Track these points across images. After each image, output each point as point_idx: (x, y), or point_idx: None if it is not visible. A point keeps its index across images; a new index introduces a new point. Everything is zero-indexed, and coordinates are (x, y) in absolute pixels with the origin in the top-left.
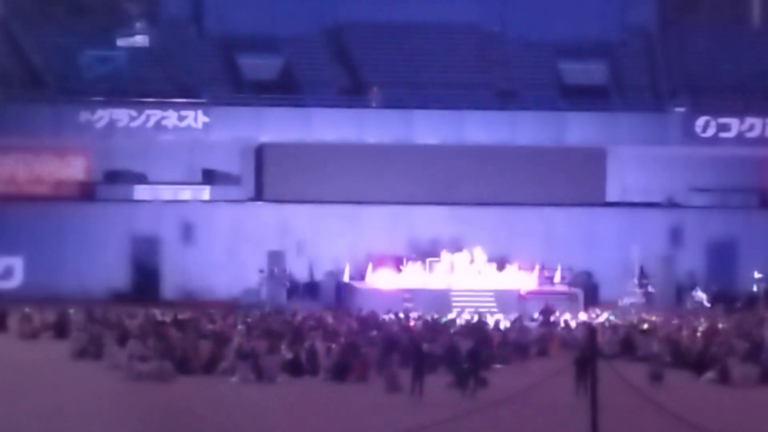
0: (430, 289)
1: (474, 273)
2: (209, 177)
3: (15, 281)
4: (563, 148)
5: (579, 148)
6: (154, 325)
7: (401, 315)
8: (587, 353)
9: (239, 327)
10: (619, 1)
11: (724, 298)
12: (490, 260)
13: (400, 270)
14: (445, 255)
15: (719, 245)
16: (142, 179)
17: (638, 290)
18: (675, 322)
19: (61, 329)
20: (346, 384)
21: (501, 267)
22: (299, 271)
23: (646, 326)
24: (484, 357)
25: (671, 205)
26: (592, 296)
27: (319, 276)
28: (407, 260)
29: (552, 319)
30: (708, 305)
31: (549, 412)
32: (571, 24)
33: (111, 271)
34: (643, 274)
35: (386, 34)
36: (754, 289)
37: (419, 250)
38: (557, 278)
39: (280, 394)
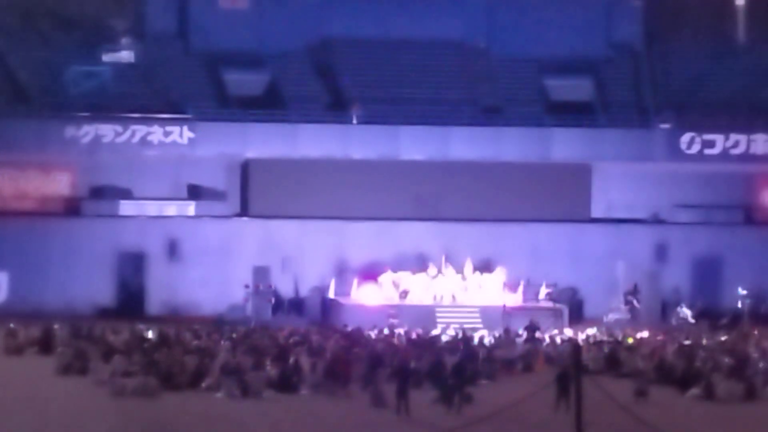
0: (415, 304)
1: (460, 287)
2: (195, 192)
3: (0, 296)
4: (548, 164)
5: (564, 164)
6: (139, 341)
7: (386, 331)
8: (568, 370)
9: (224, 343)
10: (605, 17)
11: (709, 315)
12: (476, 270)
13: (385, 283)
14: (431, 270)
15: (704, 261)
16: (127, 195)
17: (623, 306)
18: (660, 338)
19: (45, 345)
20: (331, 400)
21: (488, 270)
22: (284, 287)
23: (630, 340)
24: (469, 373)
25: (656, 221)
26: (577, 312)
27: (304, 292)
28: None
29: (537, 335)
30: (693, 321)
31: (534, 428)
32: (557, 40)
33: (96, 286)
34: (635, 290)
35: (372, 50)
36: (739, 305)
37: (405, 265)
38: (542, 294)
39: (265, 410)
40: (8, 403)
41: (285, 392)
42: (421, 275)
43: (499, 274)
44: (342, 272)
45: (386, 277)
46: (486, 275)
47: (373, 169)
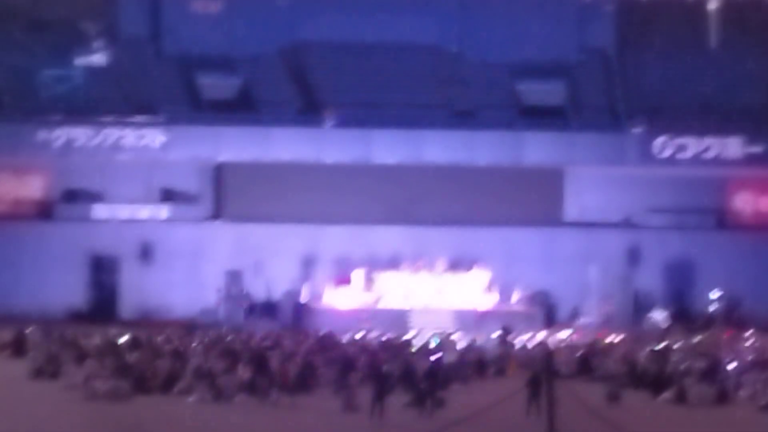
0: (388, 308)
1: (433, 291)
2: (167, 196)
3: None
4: (521, 168)
5: (537, 168)
6: (112, 345)
7: (359, 335)
8: (539, 373)
9: (197, 346)
10: (577, 22)
11: (681, 319)
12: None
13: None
14: (404, 273)
15: (677, 265)
16: (99, 198)
17: (595, 310)
18: (632, 342)
19: (18, 348)
20: (303, 404)
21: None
22: (257, 291)
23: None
24: (441, 376)
25: (629, 225)
26: (550, 316)
27: (277, 296)
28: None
29: (510, 338)
30: (665, 325)
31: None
32: (529, 45)
33: (69, 290)
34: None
35: (345, 54)
36: (711, 309)
37: (378, 269)
38: (515, 298)
39: (238, 414)
40: None
41: (257, 396)
42: (394, 278)
43: (479, 275)
44: (315, 276)
45: (359, 280)
46: (459, 276)
47: (346, 173)
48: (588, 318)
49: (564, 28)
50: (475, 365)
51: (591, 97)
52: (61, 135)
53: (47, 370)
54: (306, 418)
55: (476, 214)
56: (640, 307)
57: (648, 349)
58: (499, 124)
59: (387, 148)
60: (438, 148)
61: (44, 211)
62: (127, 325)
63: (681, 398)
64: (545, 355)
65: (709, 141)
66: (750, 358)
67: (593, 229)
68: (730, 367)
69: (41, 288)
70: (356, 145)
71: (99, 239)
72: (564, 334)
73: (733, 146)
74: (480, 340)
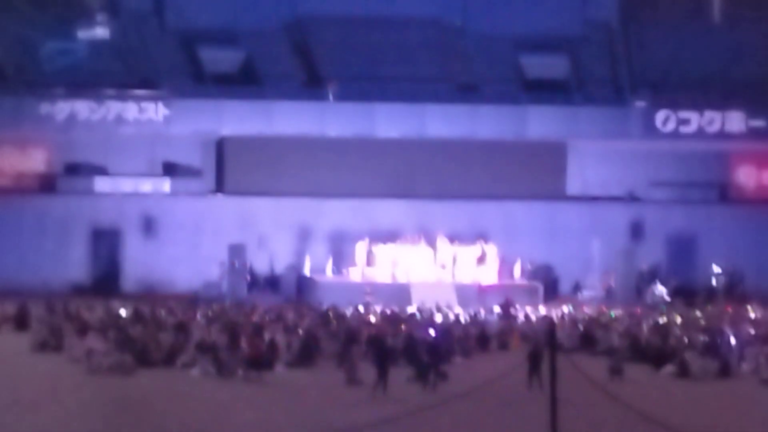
0: (391, 282)
1: (435, 264)
2: (170, 170)
3: None
4: (524, 142)
5: (540, 142)
6: (115, 318)
7: (362, 308)
8: (540, 347)
9: (199, 320)
10: None
11: (683, 292)
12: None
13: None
14: (405, 246)
15: (679, 239)
16: (102, 171)
17: (598, 284)
18: (635, 315)
19: (20, 322)
20: (306, 377)
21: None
22: (260, 264)
23: (613, 315)
24: (444, 350)
25: (631, 199)
26: (552, 290)
27: (279, 269)
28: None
29: (512, 312)
30: (668, 299)
31: (509, 405)
32: (533, 18)
33: (71, 263)
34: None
35: (348, 27)
36: (714, 283)
37: (380, 243)
38: (517, 272)
39: (240, 388)
40: None
41: (260, 370)
42: (396, 252)
43: (481, 249)
44: (317, 250)
45: (361, 254)
46: (461, 249)
47: (349, 146)
48: (590, 291)
49: (567, 1)
50: (477, 339)
51: (594, 70)
52: (64, 108)
53: (50, 344)
54: (309, 391)
55: (479, 188)
56: (642, 280)
57: (650, 322)
58: (502, 98)
59: (390, 121)
60: (441, 121)
61: (47, 185)
62: (129, 298)
63: (683, 372)
64: (547, 328)
65: (711, 115)
66: (752, 331)
67: (596, 202)
68: (733, 340)
69: (44, 261)
70: (359, 118)
71: (101, 212)
72: (566, 308)
73: (735, 120)
74: (482, 314)
